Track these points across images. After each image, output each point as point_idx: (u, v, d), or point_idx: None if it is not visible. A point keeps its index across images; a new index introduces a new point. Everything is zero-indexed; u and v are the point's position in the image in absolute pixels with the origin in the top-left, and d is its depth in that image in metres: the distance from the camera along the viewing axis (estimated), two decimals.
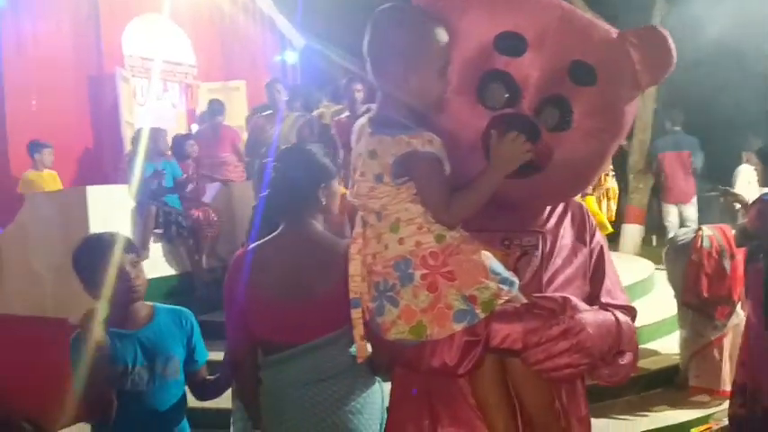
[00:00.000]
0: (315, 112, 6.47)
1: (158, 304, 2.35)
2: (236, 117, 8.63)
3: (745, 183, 8.10)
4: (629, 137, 10.03)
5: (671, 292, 4.90)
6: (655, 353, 5.16)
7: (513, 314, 1.61)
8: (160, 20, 9.24)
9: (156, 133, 6.12)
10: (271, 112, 6.67)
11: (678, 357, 4.79)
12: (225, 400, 2.60)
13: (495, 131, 1.63)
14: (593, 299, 1.83)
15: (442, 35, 1.66)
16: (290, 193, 2.09)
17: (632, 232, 9.53)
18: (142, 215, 5.64)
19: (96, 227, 4.54)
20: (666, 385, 4.68)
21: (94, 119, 8.70)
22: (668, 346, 5.06)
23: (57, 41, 8.22)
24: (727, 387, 4.19)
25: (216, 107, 7.48)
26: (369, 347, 1.84)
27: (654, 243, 9.91)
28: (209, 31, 10.16)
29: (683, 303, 4.67)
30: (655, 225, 9.53)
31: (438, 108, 1.69)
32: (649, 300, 6.11)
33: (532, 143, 1.64)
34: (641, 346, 5.29)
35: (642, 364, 4.95)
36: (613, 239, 9.37)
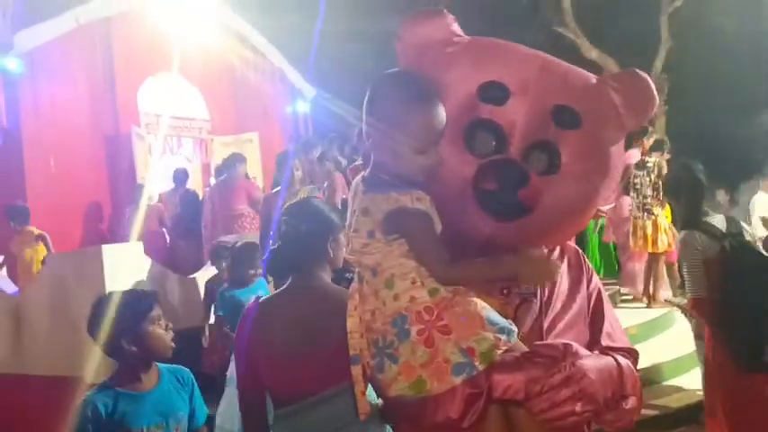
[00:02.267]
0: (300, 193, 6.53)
1: (160, 364, 2.38)
2: (250, 169, 8.75)
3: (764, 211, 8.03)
4: None
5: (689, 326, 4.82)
6: (677, 390, 5.07)
7: (514, 364, 1.62)
8: (173, 77, 9.46)
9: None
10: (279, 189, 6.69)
11: (701, 393, 4.69)
12: None
13: (551, 251, 1.68)
14: (593, 343, 1.83)
15: (440, 115, 1.68)
16: (300, 246, 2.12)
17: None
18: None
19: (112, 285, 4.59)
20: (690, 423, 4.58)
21: (111, 177, 8.87)
22: (690, 382, 4.97)
23: (73, 103, 8.45)
24: None
25: (236, 158, 7.38)
26: (374, 401, 1.85)
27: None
28: (220, 85, 10.38)
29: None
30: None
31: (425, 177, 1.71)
32: (669, 336, 6.02)
33: (522, 186, 1.67)
34: (664, 383, 5.23)
35: (665, 401, 4.87)
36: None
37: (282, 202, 2.27)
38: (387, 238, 1.65)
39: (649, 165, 6.70)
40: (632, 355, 1.84)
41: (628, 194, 6.83)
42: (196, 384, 2.42)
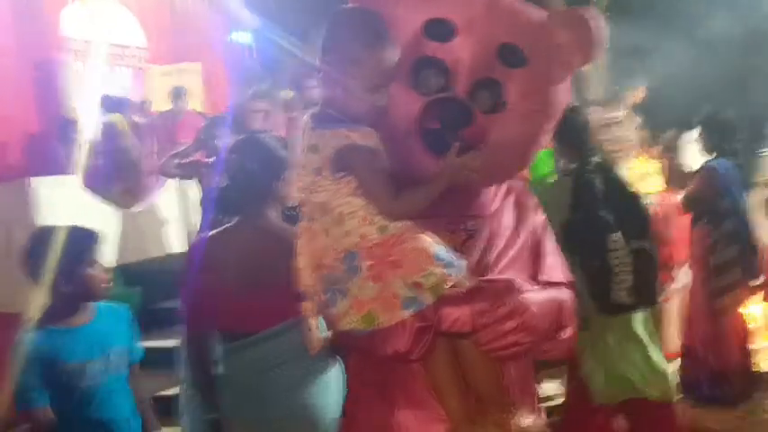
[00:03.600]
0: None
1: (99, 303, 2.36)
2: (193, 102, 8.46)
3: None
4: None
5: None
6: None
7: (462, 298, 1.67)
8: (105, 1, 8.94)
9: None
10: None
11: None
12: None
13: (456, 146, 1.64)
14: (535, 277, 1.88)
15: (394, 54, 1.66)
16: (247, 184, 2.11)
17: None
18: None
19: (44, 221, 4.44)
20: None
21: (39, 106, 8.41)
22: None
23: None
24: (670, 349, 4.34)
25: (180, 91, 7.35)
26: (322, 336, 1.90)
27: None
28: (157, 11, 9.88)
29: None
30: None
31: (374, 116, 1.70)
32: None
33: (466, 125, 1.68)
34: None
35: None
36: None
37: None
38: (335, 175, 1.66)
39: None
40: (570, 288, 1.91)
41: None
42: (133, 321, 2.41)
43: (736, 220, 3.98)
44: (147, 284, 5.28)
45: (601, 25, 1.81)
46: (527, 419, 1.78)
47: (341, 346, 1.96)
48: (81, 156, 5.56)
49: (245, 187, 2.13)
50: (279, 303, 2.01)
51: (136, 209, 5.98)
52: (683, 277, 4.51)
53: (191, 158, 4.13)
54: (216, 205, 2.24)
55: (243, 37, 11.28)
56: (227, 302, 2.07)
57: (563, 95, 1.86)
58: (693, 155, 7.27)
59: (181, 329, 2.34)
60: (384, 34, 1.67)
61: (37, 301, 2.16)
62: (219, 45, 10.78)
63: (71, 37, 8.85)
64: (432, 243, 1.68)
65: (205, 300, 2.08)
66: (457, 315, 1.66)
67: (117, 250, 5.49)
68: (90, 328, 2.25)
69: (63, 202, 5.24)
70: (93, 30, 9.04)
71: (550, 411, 3.88)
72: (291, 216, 2.21)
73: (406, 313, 1.64)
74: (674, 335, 4.47)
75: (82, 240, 2.25)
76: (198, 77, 9.48)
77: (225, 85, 8.50)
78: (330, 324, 1.79)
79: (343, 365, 2.12)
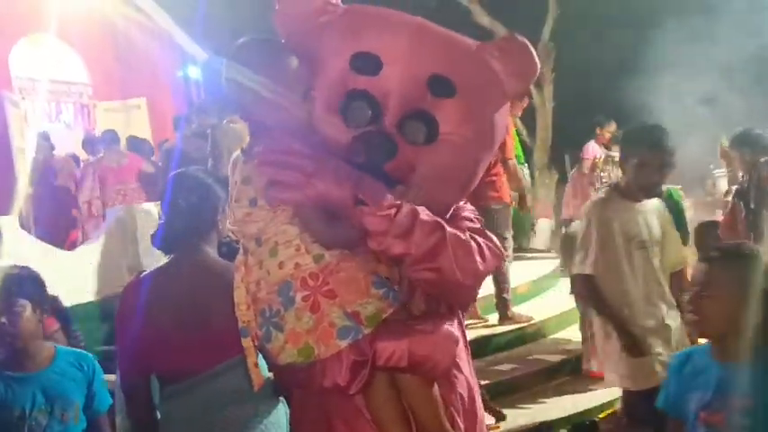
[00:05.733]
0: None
1: (60, 346, 2.31)
2: (140, 134, 8.36)
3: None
4: (532, 134, 10.44)
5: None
6: (563, 342, 5.36)
7: (399, 331, 1.65)
8: (49, 39, 8.84)
9: None
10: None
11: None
12: None
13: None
14: None
15: (296, 62, 1.68)
16: (183, 221, 2.08)
17: (542, 226, 9.86)
18: None
19: None
20: (574, 374, 4.83)
21: None
22: (574, 336, 5.24)
23: None
24: None
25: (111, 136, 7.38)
26: (266, 373, 1.85)
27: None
28: (102, 48, 9.81)
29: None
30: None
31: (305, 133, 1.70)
32: (556, 292, 6.35)
33: (390, 158, 1.67)
34: (550, 337, 5.52)
35: (549, 355, 5.13)
36: (525, 234, 9.69)
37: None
38: (271, 204, 1.63)
39: (616, 158, 6.85)
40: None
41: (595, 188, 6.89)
42: (99, 371, 2.34)
43: None
44: (88, 327, 5.12)
45: (532, 52, 1.82)
46: None
47: (282, 381, 1.90)
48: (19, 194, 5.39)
49: (180, 223, 2.09)
50: (220, 341, 1.96)
51: (76, 249, 5.84)
52: None
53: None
54: (157, 244, 2.19)
55: (192, 71, 11.27)
56: (166, 343, 2.01)
57: (500, 123, 1.86)
58: None
59: (116, 374, 2.25)
60: (282, 45, 1.71)
61: None
62: (166, 79, 10.73)
63: (17, 75, 8.72)
64: (368, 271, 1.66)
65: (141, 341, 2.02)
66: (392, 350, 1.62)
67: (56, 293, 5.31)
68: (39, 377, 2.18)
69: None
70: (38, 68, 8.94)
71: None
72: (227, 251, 2.17)
73: (343, 343, 1.61)
74: None
75: (14, 283, 2.18)
76: (143, 112, 9.41)
77: (171, 119, 8.39)
78: (269, 360, 1.75)
79: (286, 404, 2.07)
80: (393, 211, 1.59)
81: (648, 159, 3.09)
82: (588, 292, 3.30)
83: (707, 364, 2.06)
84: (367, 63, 1.72)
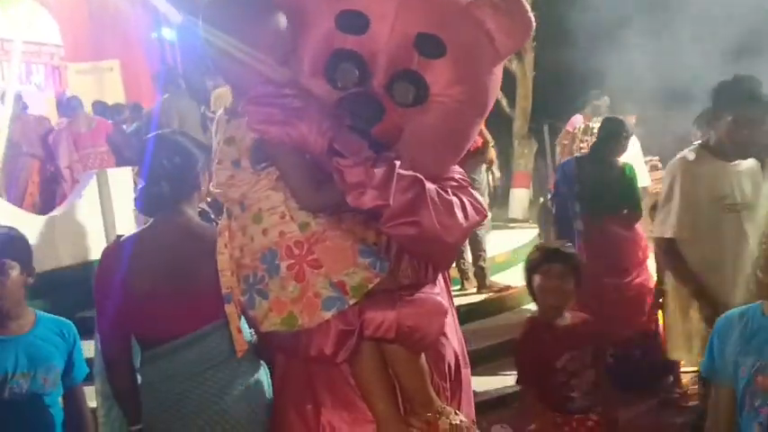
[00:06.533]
0: (214, 92, 6.29)
1: (40, 312, 2.28)
2: (111, 99, 8.20)
3: None
4: (512, 104, 10.41)
5: None
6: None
7: (388, 302, 1.63)
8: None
9: None
10: None
11: None
12: None
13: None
14: None
15: (280, 21, 1.62)
16: (171, 181, 2.04)
17: (520, 196, 9.91)
18: None
19: None
20: None
21: None
22: None
23: None
24: None
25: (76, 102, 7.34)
26: (250, 336, 1.86)
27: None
28: (73, 8, 9.54)
29: None
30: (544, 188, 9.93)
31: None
32: None
33: (377, 120, 1.63)
34: (527, 305, 5.58)
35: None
36: (504, 204, 9.74)
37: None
38: (255, 167, 1.61)
39: (594, 129, 6.83)
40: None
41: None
42: (79, 339, 2.31)
43: None
44: (62, 294, 5.06)
45: (528, 10, 1.76)
46: (455, 419, 1.75)
47: (266, 347, 1.91)
48: None
49: (165, 185, 2.05)
50: (202, 305, 1.94)
51: (51, 213, 5.73)
52: None
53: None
54: (139, 208, 2.15)
55: (168, 34, 11.02)
56: (148, 307, 1.99)
57: (493, 84, 1.80)
58: None
59: (95, 338, 2.23)
60: (265, 3, 1.63)
61: None
62: (140, 41, 10.49)
63: None
64: (355, 240, 1.63)
65: (122, 305, 2.00)
66: (380, 320, 1.61)
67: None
68: (21, 340, 2.15)
69: None
70: (9, 28, 8.68)
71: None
72: (209, 213, 2.14)
73: (328, 314, 1.60)
74: None
75: (6, 242, 2.14)
76: (117, 74, 9.21)
77: (146, 82, 8.24)
78: (252, 326, 1.75)
79: (267, 368, 2.07)
80: (369, 162, 1.56)
81: (743, 115, 2.83)
82: (668, 256, 3.08)
83: (761, 325, 1.90)
84: (353, 22, 1.66)
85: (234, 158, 1.62)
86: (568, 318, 2.64)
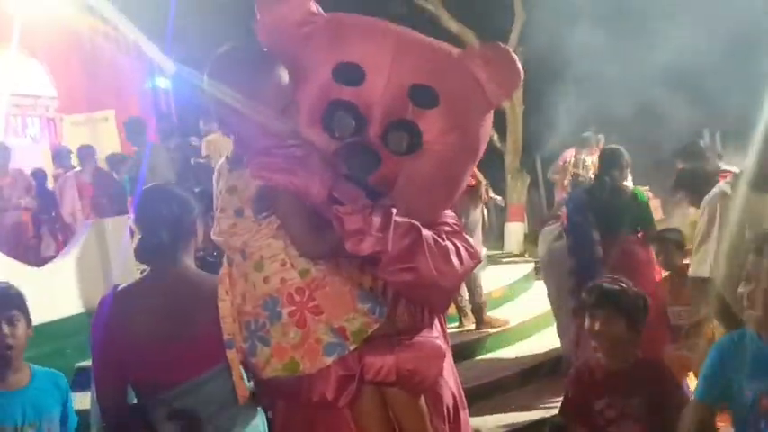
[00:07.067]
0: (207, 138, 6.35)
1: (33, 365, 2.31)
2: (107, 150, 8.25)
3: None
4: (503, 139, 10.52)
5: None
6: (538, 346, 5.40)
7: (387, 346, 1.66)
8: (13, 51, 8.68)
9: None
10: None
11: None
12: None
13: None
14: None
15: (282, 75, 1.67)
16: (169, 230, 2.06)
17: (515, 230, 9.95)
18: None
19: None
20: (550, 377, 4.84)
21: None
22: (550, 339, 5.27)
23: None
24: None
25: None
26: (250, 385, 1.85)
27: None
28: (68, 60, 9.66)
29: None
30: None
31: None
32: (530, 295, 6.41)
33: (374, 169, 1.67)
34: (526, 340, 5.56)
35: (525, 358, 5.16)
36: (499, 238, 9.77)
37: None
38: (257, 217, 1.64)
39: (588, 164, 6.91)
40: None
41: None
42: (70, 392, 2.37)
43: None
44: (61, 345, 5.04)
45: (516, 61, 1.83)
46: None
47: (266, 393, 1.89)
48: None
49: (165, 235, 2.08)
50: (200, 353, 1.94)
51: (49, 264, 5.74)
52: None
53: None
54: (138, 258, 2.18)
55: (162, 83, 11.16)
56: (144, 356, 1.99)
57: (484, 132, 1.86)
58: None
59: (91, 388, 2.24)
60: (267, 56, 1.69)
61: None
62: (134, 91, 10.60)
63: None
64: (354, 286, 1.67)
65: (119, 354, 2.00)
66: (380, 364, 1.64)
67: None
68: (25, 393, 2.21)
69: None
70: (3, 81, 8.78)
71: None
72: (200, 265, 2.17)
73: (329, 360, 1.62)
74: None
75: (8, 294, 2.21)
76: (112, 125, 9.28)
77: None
78: (253, 373, 1.75)
79: (264, 416, 2.06)
80: (367, 210, 1.60)
81: None
82: (707, 298, 2.85)
83: (762, 350, 1.91)
84: (350, 73, 1.72)
85: (236, 207, 1.66)
86: (623, 360, 2.41)
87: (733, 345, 2.00)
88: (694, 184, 3.92)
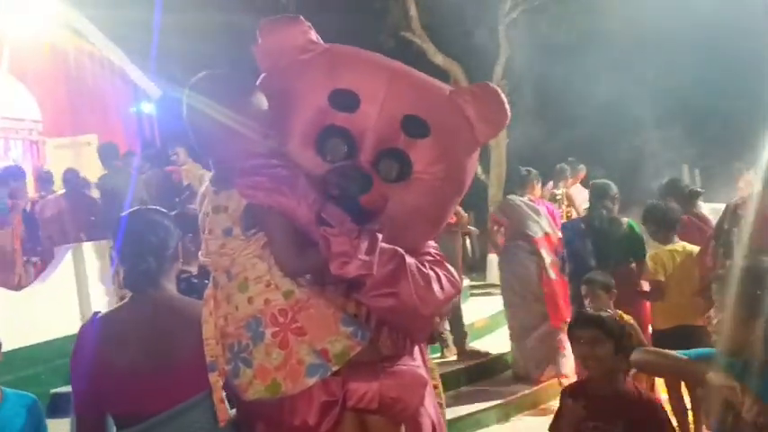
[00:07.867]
0: (184, 167, 6.34)
1: (6, 388, 2.30)
2: (90, 174, 8.20)
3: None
4: (487, 171, 10.64)
5: None
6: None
7: (370, 373, 1.67)
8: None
9: None
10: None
11: None
12: None
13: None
14: None
15: (261, 99, 1.72)
16: (155, 257, 2.04)
17: (497, 261, 9.96)
18: None
19: None
20: (532, 408, 4.89)
21: None
22: None
23: None
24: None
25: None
26: (232, 412, 1.83)
27: None
28: (53, 84, 9.64)
29: None
30: None
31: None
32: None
33: (364, 192, 1.71)
34: (508, 372, 5.55)
35: (507, 390, 5.15)
36: (482, 269, 9.80)
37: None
38: (246, 234, 1.66)
39: (558, 197, 6.98)
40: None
41: None
42: (43, 416, 2.34)
43: None
44: (36, 370, 4.96)
45: (504, 100, 1.89)
46: None
47: (247, 419, 1.87)
48: None
49: (150, 261, 2.06)
50: (182, 381, 1.91)
51: (26, 289, 5.65)
52: None
53: None
54: (126, 285, 2.16)
55: (146, 107, 11.18)
56: (126, 384, 1.95)
57: (470, 166, 1.92)
58: None
59: (71, 418, 2.19)
60: (248, 79, 1.75)
61: None
62: (119, 116, 10.60)
63: None
64: (337, 309, 1.68)
65: (99, 383, 1.96)
66: (364, 391, 1.65)
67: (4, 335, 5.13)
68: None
69: None
70: None
71: None
72: (186, 287, 2.16)
73: (311, 381, 1.62)
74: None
75: None
76: (95, 149, 9.23)
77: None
78: (235, 396, 1.74)
79: None
80: (355, 233, 1.62)
81: None
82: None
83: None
84: (345, 100, 1.77)
85: (225, 227, 1.68)
86: (611, 385, 2.44)
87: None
88: (658, 220, 4.19)
